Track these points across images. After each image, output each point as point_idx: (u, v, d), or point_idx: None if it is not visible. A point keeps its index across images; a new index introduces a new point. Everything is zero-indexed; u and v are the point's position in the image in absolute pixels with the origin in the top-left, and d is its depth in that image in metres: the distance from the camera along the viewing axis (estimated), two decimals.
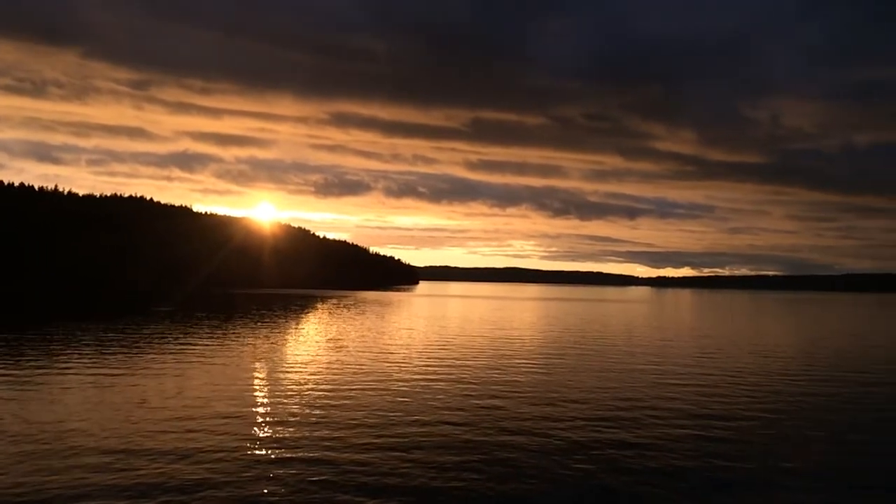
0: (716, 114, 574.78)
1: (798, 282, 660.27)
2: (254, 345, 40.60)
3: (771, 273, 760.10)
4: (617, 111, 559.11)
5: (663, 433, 19.91)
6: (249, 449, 17.14)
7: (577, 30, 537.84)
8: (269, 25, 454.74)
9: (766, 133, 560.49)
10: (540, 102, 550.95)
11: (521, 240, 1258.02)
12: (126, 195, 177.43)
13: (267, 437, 18.46)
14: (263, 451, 16.96)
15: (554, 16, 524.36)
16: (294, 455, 16.71)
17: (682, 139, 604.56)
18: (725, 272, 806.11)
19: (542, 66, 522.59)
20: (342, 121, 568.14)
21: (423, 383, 27.96)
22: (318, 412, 21.70)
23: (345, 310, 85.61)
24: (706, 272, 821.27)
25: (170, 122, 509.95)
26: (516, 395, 25.87)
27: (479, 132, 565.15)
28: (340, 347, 40.80)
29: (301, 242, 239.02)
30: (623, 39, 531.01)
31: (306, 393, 25.10)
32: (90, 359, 32.48)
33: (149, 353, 35.07)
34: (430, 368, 32.53)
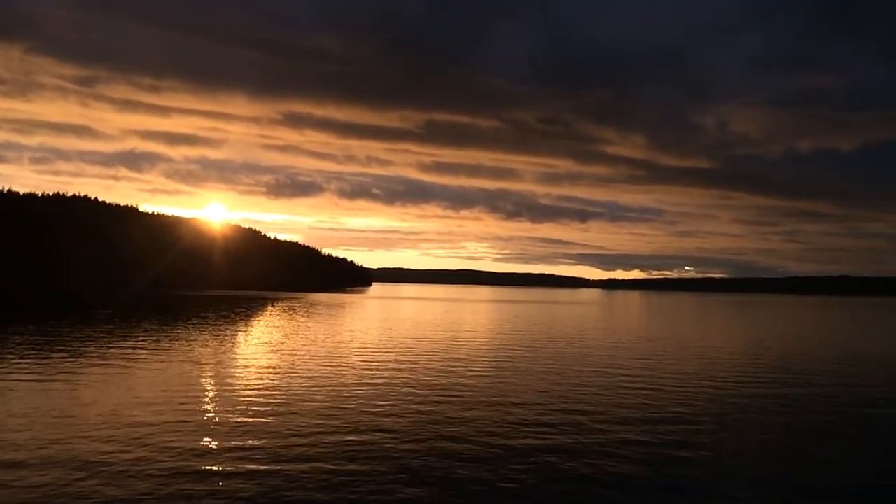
0: (665, 119, 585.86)
1: (744, 284, 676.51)
2: (192, 349, 39.08)
3: (718, 276, 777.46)
4: (569, 115, 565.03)
5: (609, 438, 19.43)
6: (169, 462, 15.95)
7: (530, 34, 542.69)
8: (220, 23, 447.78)
9: (713, 139, 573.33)
10: (493, 105, 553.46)
11: (474, 242, 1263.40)
12: (70, 194, 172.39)
13: (191, 448, 17.25)
14: (183, 464, 15.79)
15: (507, 20, 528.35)
16: (219, 468, 15.61)
17: (633, 144, 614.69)
18: (674, 275, 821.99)
19: (496, 69, 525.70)
20: (295, 121, 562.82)
21: (367, 389, 27.06)
22: (251, 420, 20.66)
23: (294, 312, 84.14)
24: (655, 275, 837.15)
25: (117, 119, 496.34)
26: (463, 399, 25.16)
27: (433, 134, 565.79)
28: (284, 351, 39.64)
29: (252, 243, 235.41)
30: (575, 44, 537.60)
31: (242, 400, 23.97)
32: (16, 364, 30.87)
33: (76, 358, 33.34)
34: (377, 373, 31.66)
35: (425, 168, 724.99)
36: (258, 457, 16.64)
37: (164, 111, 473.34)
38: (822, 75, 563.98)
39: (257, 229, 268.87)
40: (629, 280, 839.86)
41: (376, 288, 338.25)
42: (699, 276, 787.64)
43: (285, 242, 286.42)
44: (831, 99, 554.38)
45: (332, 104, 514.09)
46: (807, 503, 14.68)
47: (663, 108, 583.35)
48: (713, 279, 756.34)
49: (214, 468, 15.63)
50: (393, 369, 32.95)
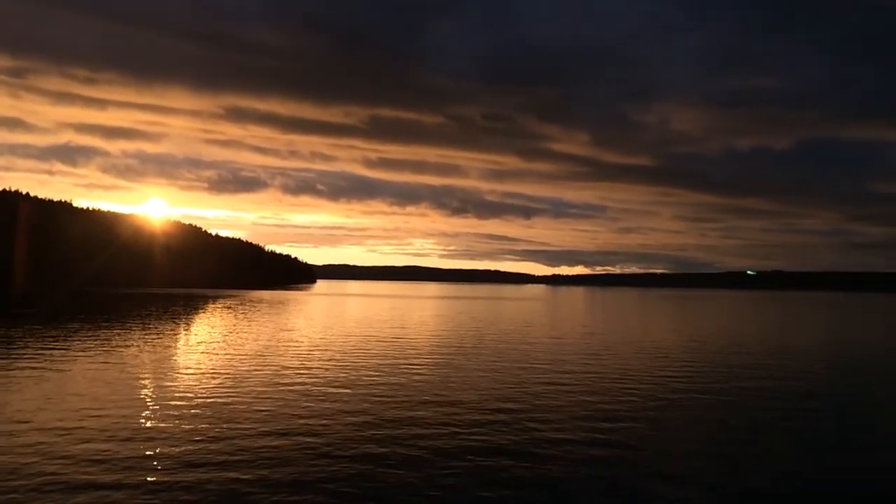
0: (608, 117, 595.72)
1: (684, 279, 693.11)
2: (120, 350, 37.40)
3: (659, 271, 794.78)
4: (514, 112, 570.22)
5: (546, 438, 19.18)
6: (82, 474, 14.96)
7: (476, 31, 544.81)
8: (161, 14, 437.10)
9: (654, 137, 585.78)
10: (439, 102, 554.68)
11: (420, 238, 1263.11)
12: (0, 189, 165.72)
13: (104, 457, 16.23)
14: (94, 475, 14.80)
15: (453, 17, 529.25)
16: (139, 478, 14.68)
17: (577, 141, 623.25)
18: (617, 270, 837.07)
19: (441, 65, 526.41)
20: (237, 115, 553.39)
21: (304, 389, 26.30)
22: (176, 425, 19.64)
23: (235, 310, 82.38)
24: (599, 270, 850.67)
25: (51, 112, 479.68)
26: (401, 400, 24.60)
27: (379, 130, 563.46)
28: (220, 351, 38.48)
29: (193, 240, 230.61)
30: (519, 42, 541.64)
31: (170, 404, 22.92)
32: None
33: None
34: (315, 373, 30.86)
35: (370, 164, 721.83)
36: (182, 464, 15.81)
37: (101, 104, 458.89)
38: (760, 76, 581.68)
39: (199, 226, 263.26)
40: (573, 276, 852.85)
41: (321, 285, 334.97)
42: (641, 271, 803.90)
43: (227, 239, 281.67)
44: (768, 99, 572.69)
45: (275, 99, 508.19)
46: (744, 500, 14.74)
47: (606, 107, 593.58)
48: (654, 275, 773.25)
49: (134, 478, 14.75)
50: (332, 369, 32.25)
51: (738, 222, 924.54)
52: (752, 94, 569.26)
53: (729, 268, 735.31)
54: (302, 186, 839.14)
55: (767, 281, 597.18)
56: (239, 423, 20.21)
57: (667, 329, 67.52)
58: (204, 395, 24.52)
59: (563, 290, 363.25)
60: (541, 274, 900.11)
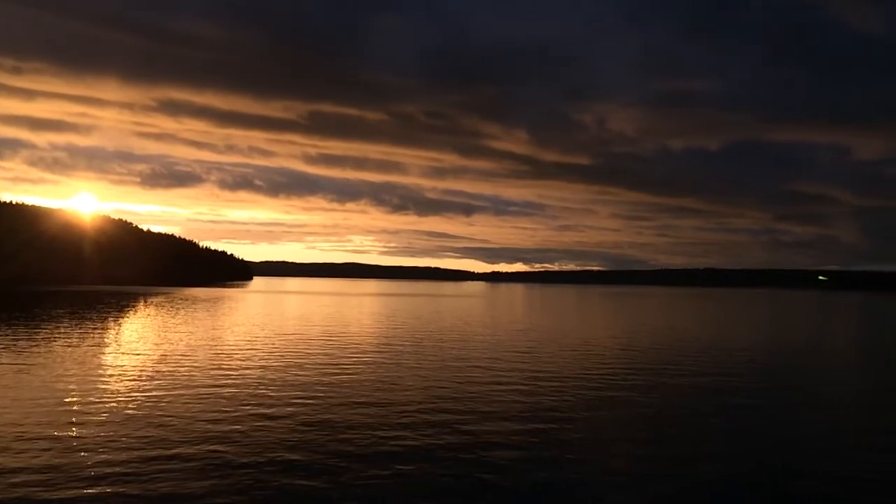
0: (547, 116, 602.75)
1: (619, 276, 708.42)
2: (44, 352, 35.79)
3: (596, 268, 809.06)
4: (454, 110, 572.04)
5: (474, 440, 19.00)
6: None
7: (417, 28, 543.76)
8: (91, 2, 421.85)
9: (592, 136, 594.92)
10: (380, 98, 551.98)
11: (360, 235, 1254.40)
12: None
13: (22, 466, 15.40)
14: (9, 489, 14.03)
15: (394, 13, 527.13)
16: (53, 493, 13.96)
17: (517, 139, 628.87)
18: (555, 267, 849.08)
19: (383, 61, 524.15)
20: (172, 108, 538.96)
21: (232, 391, 25.48)
22: (96, 432, 18.74)
23: (166, 308, 79.90)
24: (537, 267, 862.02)
25: None
26: (336, 400, 24.09)
27: (318, 125, 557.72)
28: (146, 351, 37.15)
29: (124, 236, 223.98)
30: (461, 40, 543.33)
31: (92, 409, 21.88)
32: None
33: None
34: (244, 373, 30.06)
35: (310, 160, 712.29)
36: (103, 474, 15.07)
37: (28, 94, 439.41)
38: (693, 78, 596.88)
39: (130, 221, 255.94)
40: (512, 273, 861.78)
41: (258, 282, 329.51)
42: (578, 268, 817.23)
43: (160, 235, 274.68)
44: (701, 100, 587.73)
45: (211, 92, 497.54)
46: (676, 496, 14.80)
47: (545, 106, 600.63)
48: (591, 272, 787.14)
49: (54, 491, 13.99)
50: (264, 369, 31.46)
51: (672, 221, 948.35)
52: (685, 95, 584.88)
53: (663, 265, 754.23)
54: (239, 182, 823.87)
55: (700, 278, 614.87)
56: (162, 428, 19.42)
57: (603, 326, 68.55)
58: (129, 400, 23.55)
59: (503, 288, 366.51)
60: (480, 271, 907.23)
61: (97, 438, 18.05)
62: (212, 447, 17.46)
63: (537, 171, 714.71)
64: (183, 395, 24.58)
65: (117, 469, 15.44)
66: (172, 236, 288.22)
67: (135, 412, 21.44)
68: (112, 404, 22.61)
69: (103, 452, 16.74)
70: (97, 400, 23.27)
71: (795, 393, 29.20)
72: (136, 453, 16.72)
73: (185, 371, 30.29)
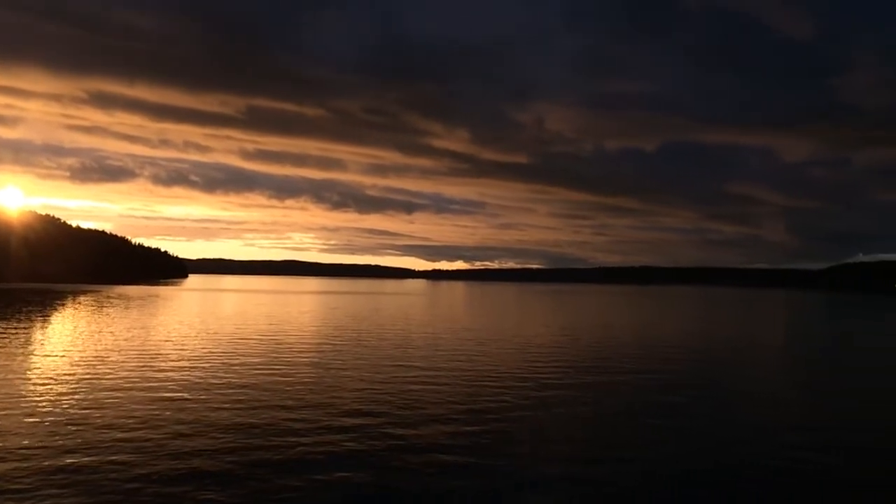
0: (487, 115, 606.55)
1: (558, 274, 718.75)
2: None
3: (535, 266, 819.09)
4: (395, 107, 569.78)
5: (405, 443, 19.00)
6: None
7: (358, 23, 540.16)
8: None
9: (531, 135, 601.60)
10: (319, 93, 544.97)
11: (300, 232, 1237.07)
12: None
13: None
14: None
15: (334, 7, 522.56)
16: None
17: (457, 138, 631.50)
18: (495, 265, 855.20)
19: (322, 57, 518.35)
20: (103, 101, 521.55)
21: (159, 394, 24.89)
22: (14, 436, 18.03)
23: (96, 306, 77.21)
24: (478, 265, 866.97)
25: None
26: (269, 402, 23.74)
27: (256, 121, 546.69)
28: (76, 352, 35.89)
29: (52, 232, 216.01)
30: (402, 37, 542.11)
31: (12, 412, 21.03)
32: None
33: None
34: (172, 375, 29.36)
35: (248, 156, 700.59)
36: (24, 478, 14.48)
37: None
38: (629, 80, 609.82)
39: (59, 217, 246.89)
40: (453, 271, 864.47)
41: (194, 280, 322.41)
42: (518, 266, 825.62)
43: (91, 231, 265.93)
44: (636, 102, 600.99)
45: (145, 85, 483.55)
46: (615, 494, 14.98)
47: (486, 104, 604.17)
48: (531, 269, 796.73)
49: None
50: (194, 370, 30.82)
51: (609, 220, 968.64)
52: (622, 97, 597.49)
53: (600, 263, 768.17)
54: (174, 177, 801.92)
55: (636, 276, 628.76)
56: (74, 437, 18.77)
57: (542, 325, 69.36)
58: (52, 403, 22.76)
59: (444, 285, 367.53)
60: (421, 269, 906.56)
61: (8, 448, 17.32)
62: (123, 457, 16.74)
63: (478, 169, 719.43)
64: (102, 399, 23.78)
65: (26, 480, 14.86)
66: (103, 232, 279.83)
67: (52, 418, 20.67)
68: (28, 410, 21.72)
69: (13, 461, 16.11)
70: (11, 406, 22.34)
71: (726, 389, 30.10)
72: (46, 463, 16.10)
73: (108, 374, 29.35)
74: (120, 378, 28.23)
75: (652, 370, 34.57)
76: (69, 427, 19.48)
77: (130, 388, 25.89)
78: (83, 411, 21.64)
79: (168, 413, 21.76)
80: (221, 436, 18.97)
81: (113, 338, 44.04)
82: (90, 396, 24.11)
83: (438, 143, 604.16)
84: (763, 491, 15.60)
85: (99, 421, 20.36)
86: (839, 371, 37.51)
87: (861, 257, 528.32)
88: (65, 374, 28.87)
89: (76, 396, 24.04)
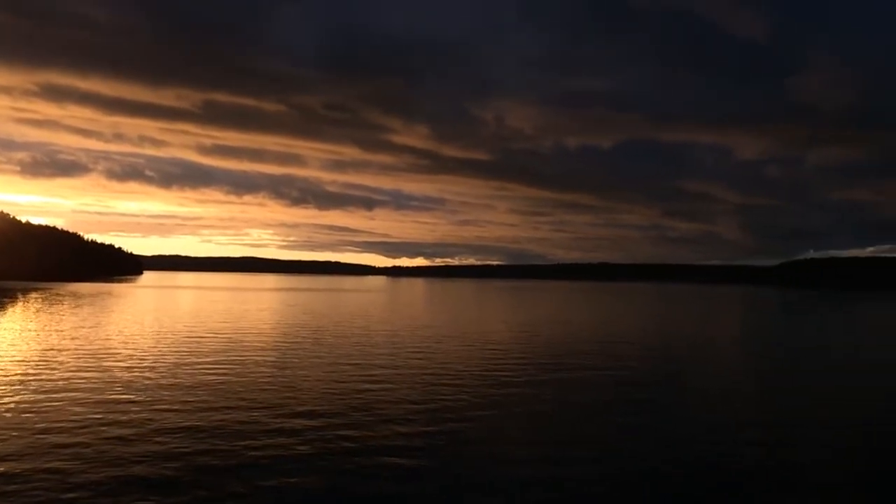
0: (448, 112, 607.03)
1: (518, 270, 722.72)
2: None
3: (495, 263, 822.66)
4: (355, 103, 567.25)
5: (373, 440, 18.50)
6: None
7: (317, 18, 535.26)
8: None
9: (491, 132, 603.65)
10: (278, 89, 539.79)
11: (258, 228, 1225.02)
12: None
13: None
14: None
15: (291, 2, 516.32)
16: None
17: (417, 134, 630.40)
18: (455, 262, 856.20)
19: (281, 51, 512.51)
20: (55, 94, 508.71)
21: (107, 396, 23.91)
22: None
23: (45, 304, 74.54)
24: (438, 262, 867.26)
25: None
26: (222, 403, 22.95)
27: (213, 115, 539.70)
28: (21, 352, 34.51)
29: (2, 227, 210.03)
30: (362, 33, 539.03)
31: None
32: None
33: None
34: (120, 375, 28.25)
35: (205, 151, 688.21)
36: None
37: None
38: (588, 77, 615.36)
39: (8, 212, 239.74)
40: (413, 267, 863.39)
41: (149, 277, 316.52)
42: (478, 263, 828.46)
43: (42, 227, 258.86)
44: (595, 100, 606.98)
45: (98, 77, 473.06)
46: (576, 491, 14.75)
47: (446, 101, 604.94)
48: (491, 266, 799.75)
49: None
50: (146, 370, 29.76)
51: (567, 216, 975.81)
52: (580, 95, 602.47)
53: (559, 259, 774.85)
54: (129, 172, 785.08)
55: (594, 272, 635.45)
56: (19, 438, 17.87)
57: (502, 321, 69.31)
58: None
59: (404, 282, 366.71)
60: (382, 265, 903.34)
61: None
62: (59, 464, 15.87)
63: (438, 165, 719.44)
64: (41, 402, 22.74)
65: None
66: (55, 228, 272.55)
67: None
68: None
69: None
70: None
71: (683, 386, 30.23)
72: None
73: (50, 376, 28.17)
74: (62, 380, 27.09)
75: (610, 367, 34.58)
76: (1, 432, 18.52)
77: (73, 390, 24.83)
78: (19, 416, 20.61)
79: (111, 416, 20.83)
80: (167, 440, 18.17)
81: (59, 337, 42.57)
82: (28, 399, 23.01)
83: (398, 139, 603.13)
84: (721, 487, 15.54)
85: (36, 425, 19.36)
86: (792, 367, 37.99)
87: (812, 254, 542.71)
88: (6, 374, 27.61)
89: (12, 399, 22.92)
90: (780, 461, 17.77)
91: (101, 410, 21.60)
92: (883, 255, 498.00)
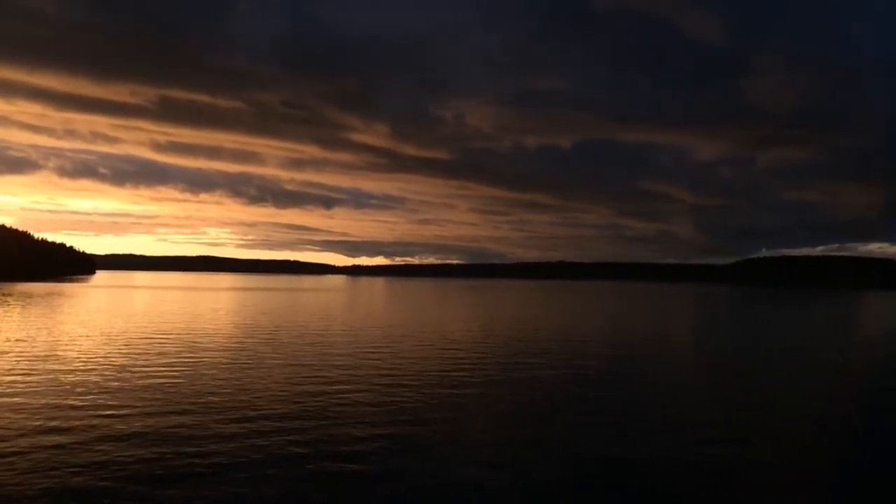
0: (407, 110, 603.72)
1: (478, 269, 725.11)
2: None
3: (455, 262, 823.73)
4: (314, 101, 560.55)
5: (333, 437, 17.98)
6: None
7: (274, 14, 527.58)
8: None
9: (451, 131, 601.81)
10: (235, 85, 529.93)
11: (215, 227, 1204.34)
12: None
13: None
14: None
15: None
16: None
17: (377, 132, 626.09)
18: (415, 261, 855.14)
19: (238, 47, 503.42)
20: (4, 89, 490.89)
21: (33, 400, 22.90)
22: None
23: None
24: (398, 261, 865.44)
25: None
26: (167, 406, 22.15)
27: (169, 112, 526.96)
28: None
29: None
30: (320, 29, 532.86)
31: None
32: None
33: None
34: (55, 377, 27.14)
35: (160, 148, 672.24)
36: None
37: None
38: (547, 77, 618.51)
39: None
40: (373, 266, 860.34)
41: (102, 276, 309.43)
42: (438, 262, 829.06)
43: None
44: (554, 100, 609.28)
45: (49, 72, 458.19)
46: (533, 490, 14.53)
47: (406, 100, 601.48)
48: (451, 265, 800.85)
49: None
50: (81, 373, 28.64)
51: (527, 216, 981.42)
52: (539, 94, 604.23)
53: (519, 258, 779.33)
54: (81, 169, 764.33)
55: (554, 271, 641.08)
56: None
57: (461, 320, 69.14)
58: None
59: (363, 281, 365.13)
60: (341, 264, 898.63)
61: None
62: (36, 460, 15.20)
63: (397, 164, 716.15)
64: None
65: None
66: (3, 227, 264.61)
67: None
68: None
69: None
70: None
71: (640, 383, 30.23)
72: None
73: (9, 376, 27.14)
74: (17, 379, 25.94)
75: (567, 366, 34.53)
76: None
77: (11, 395, 23.72)
78: None
79: (51, 423, 19.87)
80: (110, 448, 17.36)
81: (2, 338, 40.99)
82: None
83: (358, 137, 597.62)
84: (678, 485, 15.48)
85: None
86: (744, 364, 38.39)
87: (764, 252, 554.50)
88: None
89: None
90: (734, 458, 17.81)
91: (40, 417, 20.60)
92: (832, 254, 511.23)
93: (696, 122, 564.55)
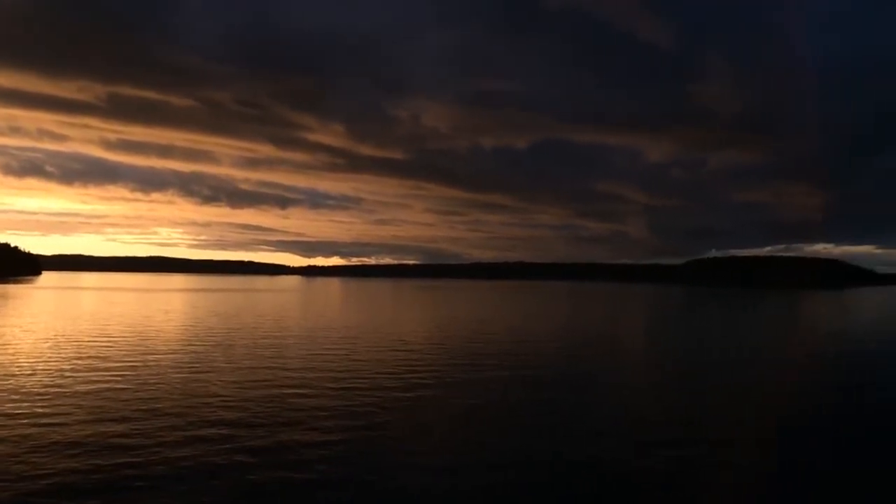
0: (363, 110, 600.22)
1: (434, 270, 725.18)
2: None
3: (411, 262, 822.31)
4: (268, 99, 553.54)
5: (286, 441, 17.50)
6: None
7: (227, 11, 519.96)
8: None
9: (407, 131, 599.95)
10: (187, 83, 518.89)
11: (167, 227, 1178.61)
12: None
13: None
14: None
15: None
16: None
17: (333, 132, 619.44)
18: (372, 261, 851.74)
19: (189, 44, 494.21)
20: None
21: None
22: None
23: None
24: (354, 261, 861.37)
25: None
26: (120, 413, 21.38)
27: (119, 109, 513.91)
28: None
29: None
30: (274, 27, 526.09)
31: None
32: None
33: None
34: (10, 384, 26.09)
35: (109, 146, 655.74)
36: None
37: None
38: (502, 78, 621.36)
39: None
40: (329, 267, 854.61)
41: (48, 277, 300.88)
42: (395, 262, 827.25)
43: None
44: (509, 101, 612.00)
45: None
46: (488, 492, 14.72)
47: (362, 99, 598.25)
48: (407, 265, 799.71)
49: None
50: (23, 376, 27.57)
51: (483, 216, 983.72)
52: (494, 94, 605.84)
53: (475, 259, 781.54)
54: (27, 167, 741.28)
55: (509, 271, 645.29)
56: None
57: (417, 321, 68.87)
58: None
59: (319, 282, 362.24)
60: (297, 265, 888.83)
61: None
62: None
63: (353, 164, 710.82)
64: None
65: None
66: None
67: None
68: None
69: None
70: None
71: (592, 383, 30.30)
72: None
73: None
74: None
75: (522, 366, 34.57)
76: None
77: None
78: None
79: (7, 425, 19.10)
80: (46, 458, 16.62)
81: None
82: None
83: (313, 136, 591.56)
84: (628, 486, 15.52)
85: None
86: (692, 364, 38.90)
87: (714, 253, 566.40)
88: None
89: None
90: (683, 459, 17.89)
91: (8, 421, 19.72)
92: (779, 254, 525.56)
93: (648, 124, 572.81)
